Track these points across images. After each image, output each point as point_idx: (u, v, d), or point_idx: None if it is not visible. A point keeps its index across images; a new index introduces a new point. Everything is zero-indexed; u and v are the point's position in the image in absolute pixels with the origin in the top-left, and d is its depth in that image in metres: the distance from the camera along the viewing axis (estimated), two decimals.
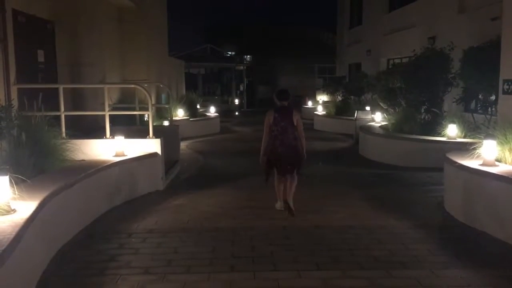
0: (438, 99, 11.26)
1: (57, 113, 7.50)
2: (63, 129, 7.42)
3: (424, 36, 14.34)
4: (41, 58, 9.23)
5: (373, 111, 14.37)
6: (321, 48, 30.71)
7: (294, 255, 4.96)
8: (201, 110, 18.39)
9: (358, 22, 22.78)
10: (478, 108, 10.98)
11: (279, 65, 32.43)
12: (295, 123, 6.26)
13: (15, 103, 6.90)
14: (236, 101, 30.81)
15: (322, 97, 24.50)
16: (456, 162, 6.30)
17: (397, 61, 17.18)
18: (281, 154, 6.23)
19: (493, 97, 9.57)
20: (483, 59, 9.32)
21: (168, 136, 8.79)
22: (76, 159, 6.90)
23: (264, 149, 6.37)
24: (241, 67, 33.54)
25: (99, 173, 6.47)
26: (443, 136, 9.96)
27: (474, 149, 6.37)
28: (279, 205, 6.66)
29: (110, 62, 12.04)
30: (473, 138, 8.15)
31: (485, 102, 10.16)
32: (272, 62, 32.72)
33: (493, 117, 9.48)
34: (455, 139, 9.64)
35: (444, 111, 11.20)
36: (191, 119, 15.88)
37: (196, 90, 22.76)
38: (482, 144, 6.18)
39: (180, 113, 15.51)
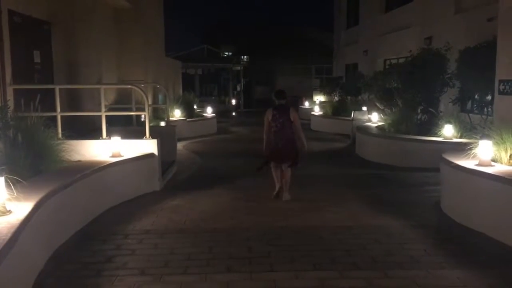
0: (434, 100, 11.30)
1: (53, 114, 7.49)
2: (60, 130, 7.41)
3: (421, 37, 14.38)
4: (37, 59, 9.20)
5: (369, 111, 14.40)
6: (318, 49, 30.77)
7: (291, 255, 4.95)
8: (198, 110, 18.38)
9: (355, 23, 22.83)
10: (474, 109, 11.02)
11: (276, 65, 32.46)
12: (292, 120, 6.94)
13: (11, 103, 6.89)
14: (233, 102, 30.81)
15: (319, 97, 24.54)
16: (452, 162, 6.32)
17: (393, 61, 17.22)
18: (281, 147, 6.97)
19: (489, 98, 9.60)
20: (479, 59, 9.35)
21: (164, 136, 8.78)
22: (73, 160, 6.88)
23: (266, 144, 7.12)
24: (238, 68, 33.56)
25: (95, 174, 6.45)
26: (439, 136, 9.98)
27: (470, 149, 6.39)
28: (278, 187, 7.26)
29: (107, 63, 12.02)
30: (469, 138, 8.19)
31: (481, 103, 10.20)
32: (269, 62, 32.75)
33: (489, 117, 9.52)
34: (451, 139, 9.66)
35: (441, 111, 11.23)
36: (188, 120, 15.87)
37: (193, 91, 22.73)
38: (478, 144, 6.19)
39: (177, 114, 15.50)
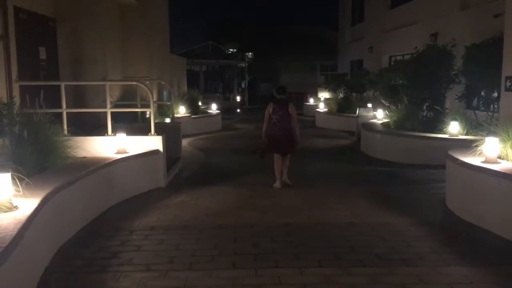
0: (440, 96, 11.25)
1: (59, 110, 7.51)
2: (65, 126, 7.42)
3: (426, 33, 14.30)
4: (42, 55, 9.23)
5: (375, 108, 14.34)
6: (323, 45, 30.62)
7: (296, 252, 4.95)
8: (202, 107, 18.37)
9: (360, 19, 22.76)
10: (480, 105, 10.97)
11: (281, 62, 32.37)
12: (290, 113, 7.64)
13: (17, 100, 6.91)
14: (238, 98, 30.79)
15: (323, 94, 24.47)
16: (458, 159, 6.29)
17: (399, 58, 17.14)
18: (279, 137, 7.62)
19: (495, 94, 9.55)
20: (485, 56, 9.30)
21: (169, 133, 8.78)
22: (78, 156, 6.90)
23: (264, 132, 7.78)
24: (243, 64, 33.51)
25: (100, 171, 6.47)
26: (445, 133, 9.94)
27: (476, 146, 6.35)
28: (277, 184, 7.75)
29: (112, 59, 12.04)
30: (475, 135, 8.12)
31: (487, 99, 10.15)
32: (273, 59, 32.66)
33: (495, 114, 9.47)
34: (457, 136, 9.62)
35: (446, 108, 11.19)
36: (192, 116, 15.87)
37: (197, 87, 22.72)
38: (484, 141, 6.16)
39: (181, 110, 15.51)
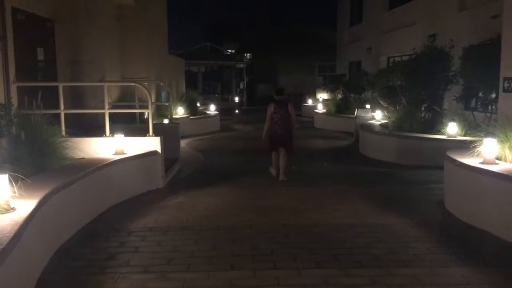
0: (438, 97, 11.26)
1: (57, 111, 7.50)
2: (63, 127, 7.41)
3: (425, 34, 14.32)
4: (40, 56, 9.22)
5: (373, 109, 14.36)
6: (322, 46, 30.59)
7: (294, 253, 4.95)
8: (201, 108, 18.36)
9: (358, 20, 22.75)
10: (479, 106, 10.97)
11: (279, 63, 32.36)
12: (289, 112, 8.43)
13: (14, 101, 6.90)
14: (236, 99, 30.79)
15: (322, 95, 24.48)
16: (456, 160, 6.29)
17: (397, 59, 17.15)
18: (280, 134, 8.40)
19: (493, 95, 9.56)
20: (483, 57, 9.30)
21: (168, 134, 8.78)
22: (76, 157, 6.89)
23: (265, 131, 8.56)
24: (241, 65, 33.50)
25: (98, 172, 6.46)
26: (443, 134, 9.96)
27: (475, 147, 6.35)
28: (273, 171, 8.60)
29: (110, 60, 12.02)
30: (473, 136, 8.13)
31: (485, 100, 10.16)
32: (272, 60, 32.64)
33: (493, 115, 9.48)
34: (455, 137, 9.63)
35: (444, 109, 11.19)
36: (191, 117, 15.87)
37: (196, 88, 22.71)
38: (482, 142, 6.17)
39: (180, 111, 15.51)
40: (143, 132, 8.02)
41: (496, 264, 4.66)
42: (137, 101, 10.89)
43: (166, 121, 11.94)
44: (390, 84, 12.58)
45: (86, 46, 10.29)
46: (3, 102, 6.33)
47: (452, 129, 9.77)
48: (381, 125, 12.35)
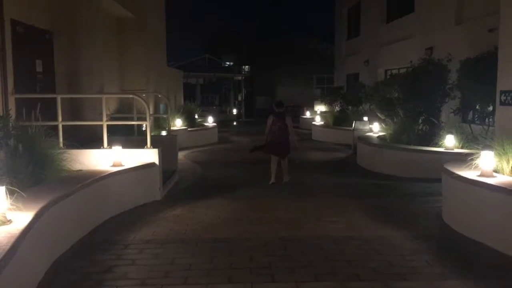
0: (435, 110, 11.30)
1: (55, 123, 7.49)
2: (61, 139, 7.40)
3: (422, 47, 14.41)
4: (39, 68, 9.23)
5: (371, 121, 14.39)
6: (319, 59, 30.81)
7: (292, 266, 4.93)
8: (199, 120, 18.39)
9: (356, 33, 22.91)
10: (476, 119, 11.01)
11: (277, 75, 32.51)
12: (287, 124, 9.16)
13: (12, 113, 6.90)
14: (234, 111, 30.85)
15: (320, 107, 24.55)
16: (454, 173, 6.30)
17: (394, 71, 17.24)
18: (278, 143, 9.20)
19: (490, 108, 9.60)
20: (480, 70, 9.36)
21: (166, 146, 8.78)
22: (74, 169, 6.87)
23: (265, 140, 9.41)
24: (240, 78, 33.63)
25: (96, 184, 6.44)
26: (440, 146, 9.97)
27: (472, 159, 6.37)
28: (272, 179, 9.20)
29: (109, 72, 12.05)
30: (470, 149, 8.16)
31: (483, 113, 10.19)
32: (270, 72, 32.80)
33: (490, 127, 9.51)
34: (452, 149, 9.65)
35: (442, 122, 11.23)
36: (189, 129, 15.87)
37: (194, 100, 22.78)
38: (479, 155, 6.18)
39: (178, 123, 15.51)
40: (141, 144, 8.01)
41: (494, 277, 4.65)
42: (135, 113, 10.90)
43: (164, 133, 11.95)
44: (387, 97, 12.63)
45: (85, 58, 10.32)
46: (1, 113, 6.33)
47: (450, 142, 9.79)
48: (378, 137, 12.37)
